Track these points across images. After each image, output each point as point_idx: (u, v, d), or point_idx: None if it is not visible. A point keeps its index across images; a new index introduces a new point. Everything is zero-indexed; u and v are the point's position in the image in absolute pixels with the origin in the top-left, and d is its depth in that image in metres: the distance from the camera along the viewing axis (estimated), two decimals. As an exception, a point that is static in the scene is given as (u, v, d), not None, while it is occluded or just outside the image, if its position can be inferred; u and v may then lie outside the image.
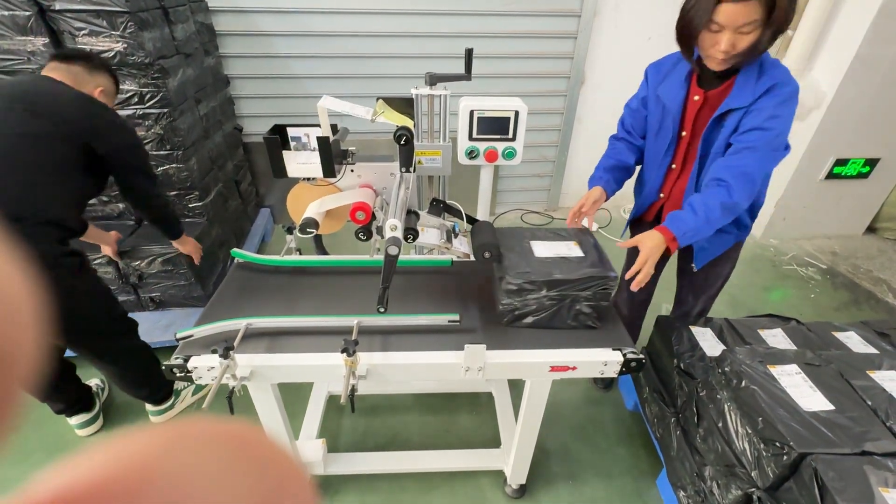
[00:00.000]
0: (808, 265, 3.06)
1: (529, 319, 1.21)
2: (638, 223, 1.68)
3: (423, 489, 1.62)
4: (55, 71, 1.39)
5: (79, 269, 1.43)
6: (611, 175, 1.51)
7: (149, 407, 1.80)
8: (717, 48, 1.14)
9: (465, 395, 1.97)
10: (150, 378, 1.73)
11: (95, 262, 1.96)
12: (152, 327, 2.07)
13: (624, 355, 1.17)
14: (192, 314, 2.13)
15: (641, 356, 1.17)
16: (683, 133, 1.38)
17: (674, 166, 1.45)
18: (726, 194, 1.22)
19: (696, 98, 1.32)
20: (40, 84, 1.36)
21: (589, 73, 3.11)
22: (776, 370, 1.20)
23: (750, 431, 1.13)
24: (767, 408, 1.11)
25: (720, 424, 1.26)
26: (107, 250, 1.89)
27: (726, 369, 1.25)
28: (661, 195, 1.52)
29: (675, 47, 1.29)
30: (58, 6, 1.65)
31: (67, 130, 1.34)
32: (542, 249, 1.24)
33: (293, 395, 1.83)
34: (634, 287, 1.22)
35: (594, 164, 1.53)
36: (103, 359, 1.59)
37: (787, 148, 1.29)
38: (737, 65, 1.20)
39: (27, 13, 1.63)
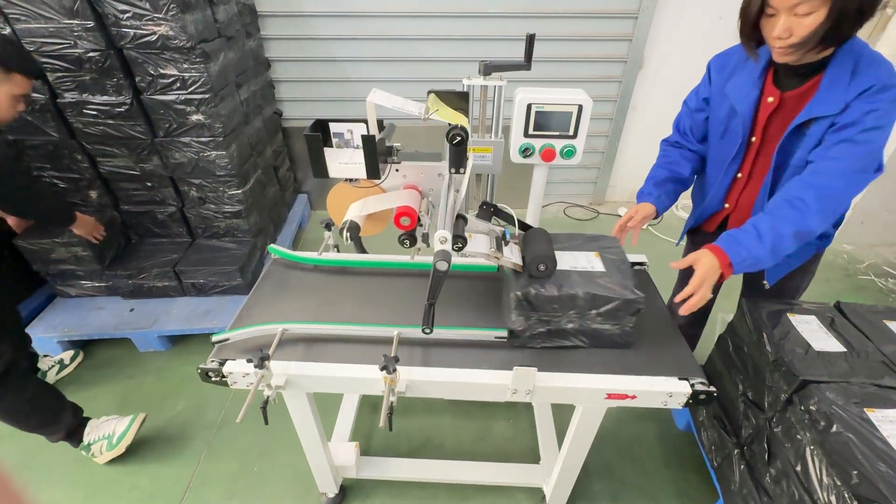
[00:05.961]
0: (889, 275, 2.75)
1: (538, 341, 1.12)
2: (696, 232, 1.51)
3: (456, 499, 1.56)
4: None
5: None
6: (662, 190, 1.35)
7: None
8: (774, 35, 0.98)
9: (502, 402, 1.88)
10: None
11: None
12: (192, 313, 2.09)
13: (692, 386, 1.04)
14: (231, 301, 2.13)
15: (712, 389, 1.04)
16: (753, 139, 1.19)
17: (740, 175, 1.26)
18: (801, 220, 1.03)
19: (771, 100, 1.12)
20: None
21: (648, 56, 2.85)
22: (876, 415, 1.03)
23: (839, 484, 0.99)
24: (865, 460, 0.95)
25: (798, 468, 1.11)
26: (12, 221, 1.86)
27: (812, 408, 1.09)
28: (726, 205, 1.34)
29: None
30: (103, -12, 1.62)
31: None
32: (560, 259, 1.12)
33: (327, 393, 1.80)
34: (685, 311, 1.05)
35: (647, 157, 1.37)
36: None
37: (878, 169, 1.07)
38: (805, 57, 1.01)
39: (74, -5, 1.61)
